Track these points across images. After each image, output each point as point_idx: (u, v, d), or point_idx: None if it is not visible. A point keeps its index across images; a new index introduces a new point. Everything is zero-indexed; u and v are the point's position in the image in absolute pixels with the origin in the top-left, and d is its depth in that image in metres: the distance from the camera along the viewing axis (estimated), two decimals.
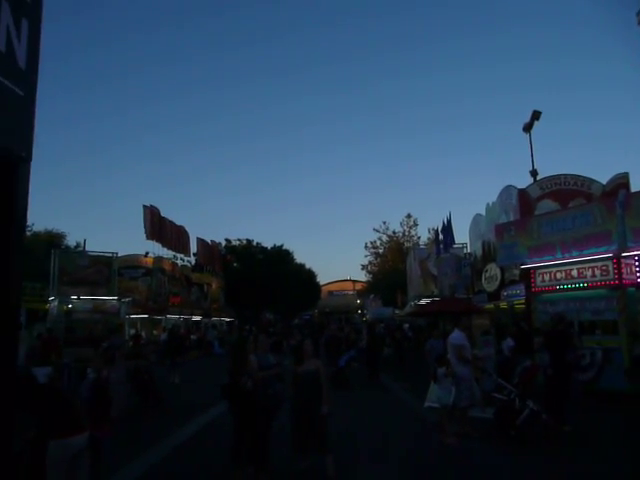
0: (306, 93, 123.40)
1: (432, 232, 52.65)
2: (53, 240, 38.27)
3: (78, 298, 27.59)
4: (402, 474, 7.10)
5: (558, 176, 18.16)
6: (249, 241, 52.10)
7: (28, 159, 1.95)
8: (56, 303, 26.94)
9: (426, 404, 9.79)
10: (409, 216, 55.79)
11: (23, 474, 4.53)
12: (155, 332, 30.49)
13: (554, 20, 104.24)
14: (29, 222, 39.89)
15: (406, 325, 26.74)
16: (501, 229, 16.25)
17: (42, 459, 4.44)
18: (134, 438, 8.87)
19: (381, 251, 57.58)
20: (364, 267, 59.46)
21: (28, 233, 39.32)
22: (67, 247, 38.37)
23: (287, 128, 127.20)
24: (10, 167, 1.90)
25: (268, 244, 52.69)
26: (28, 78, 1.99)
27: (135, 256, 31.67)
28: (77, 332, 23.98)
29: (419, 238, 54.05)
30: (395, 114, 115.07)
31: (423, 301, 26.23)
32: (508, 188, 19.33)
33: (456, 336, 9.45)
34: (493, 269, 19.43)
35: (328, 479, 6.56)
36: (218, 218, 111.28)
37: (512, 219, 17.53)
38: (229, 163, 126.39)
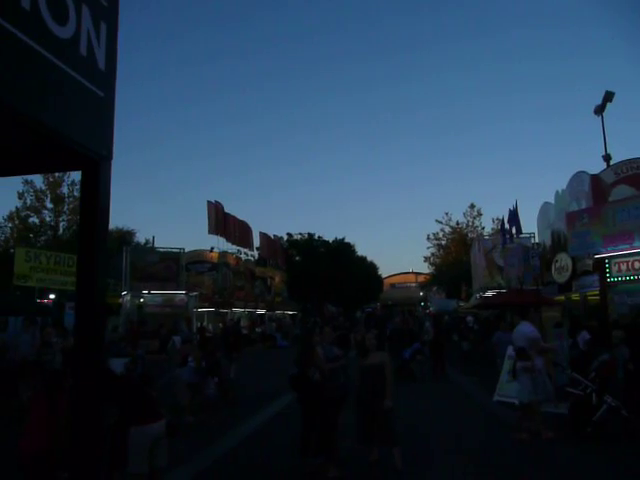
0: (373, 84, 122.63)
1: (497, 222, 51.15)
2: (124, 237, 40.02)
3: (149, 293, 28.79)
4: (472, 468, 6.95)
5: (635, 159, 17.13)
6: (311, 235, 52.49)
7: (109, 157, 2.01)
8: (129, 297, 28.22)
9: (495, 398, 9.55)
10: (472, 206, 54.29)
11: (106, 458, 4.79)
12: (221, 325, 31.33)
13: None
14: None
15: (470, 318, 26.09)
16: (573, 217, 15.52)
17: (123, 444, 4.68)
18: (204, 428, 9.15)
19: (444, 243, 56.42)
20: (426, 259, 58.43)
21: None
22: (137, 244, 40.00)
23: (351, 120, 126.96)
24: (93, 166, 1.97)
25: (330, 237, 52.94)
26: (107, 79, 2.06)
27: (201, 251, 32.60)
28: (148, 325, 24.99)
29: (483, 229, 52.54)
30: (457, 106, 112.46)
31: (489, 293, 25.51)
32: (579, 174, 18.44)
33: (529, 329, 9.09)
34: (564, 259, 18.61)
35: (396, 472, 6.52)
36: (280, 213, 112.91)
37: (584, 207, 16.71)
38: (291, 157, 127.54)
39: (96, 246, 1.96)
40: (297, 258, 51.02)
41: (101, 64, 1.97)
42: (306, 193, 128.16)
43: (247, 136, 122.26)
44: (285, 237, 51.32)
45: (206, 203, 31.00)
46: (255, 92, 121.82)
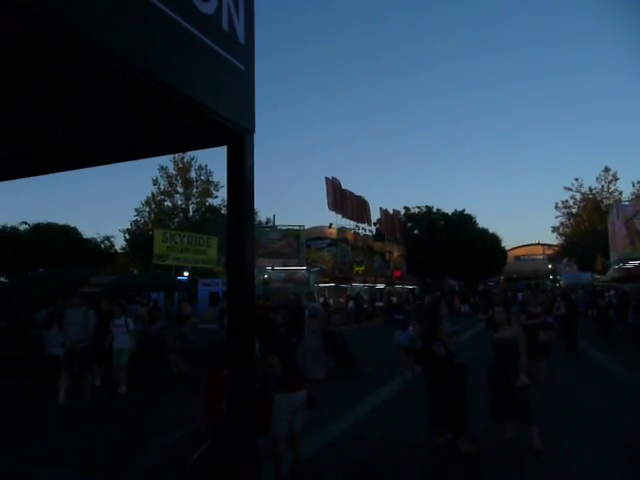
0: (489, 51, 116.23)
1: (638, 186, 46.47)
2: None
3: (272, 269, 30.03)
4: (620, 451, 6.42)
5: None
6: (429, 208, 51.42)
7: (252, 130, 2.02)
8: (254, 274, 29.70)
9: None
10: (607, 170, 49.86)
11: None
12: (341, 300, 31.91)
13: None
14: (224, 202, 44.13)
15: (611, 292, 24.03)
16: None
17: (267, 408, 4.94)
18: (331, 401, 9.37)
19: (574, 211, 52.52)
20: (555, 229, 54.84)
21: (222, 210, 43.63)
22: (259, 222, 41.77)
23: (462, 89, 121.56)
24: (238, 139, 1.99)
25: (449, 210, 51.49)
26: (247, 53, 2.07)
27: (320, 228, 33.29)
28: (273, 300, 26.13)
29: (621, 194, 48.19)
30: (594, 72, 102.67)
31: (630, 264, 23.31)
32: None
33: None
34: None
35: (535, 452, 6.22)
36: (396, 186, 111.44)
37: None
38: (406, 127, 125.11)
39: (245, 219, 2.00)
40: (415, 232, 50.30)
41: (241, 38, 1.99)
42: (423, 164, 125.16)
43: (363, 107, 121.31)
44: (402, 211, 50.76)
45: (324, 180, 31.46)
46: (369, 61, 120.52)
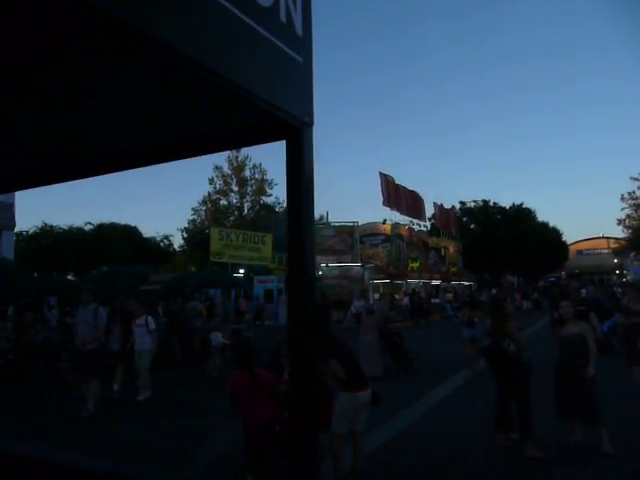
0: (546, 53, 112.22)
1: None
2: None
3: (326, 265, 30.09)
4: None
5: None
6: (485, 202, 50.18)
7: (311, 124, 1.98)
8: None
9: None
10: None
11: None
12: (397, 296, 31.60)
13: None
14: (282, 199, 44.60)
15: None
16: None
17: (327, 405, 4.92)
18: (388, 398, 9.24)
19: None
20: (620, 222, 52.24)
21: (280, 209, 44.11)
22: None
23: (521, 88, 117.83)
24: (297, 134, 1.95)
25: (506, 203, 50.05)
26: (305, 45, 2.03)
27: (374, 224, 33.11)
28: (327, 297, 26.21)
29: None
30: None
31: None
32: None
33: None
34: None
35: (606, 456, 5.91)
36: (451, 180, 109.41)
37: None
38: (459, 123, 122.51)
39: (305, 216, 1.95)
40: (472, 227, 49.19)
41: (299, 30, 1.94)
42: (479, 158, 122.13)
43: (418, 102, 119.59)
44: (458, 205, 49.74)
45: (378, 175, 31.24)
46: (427, 57, 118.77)
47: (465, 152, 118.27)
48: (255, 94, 1.66)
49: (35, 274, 15.00)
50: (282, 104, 1.79)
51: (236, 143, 2.19)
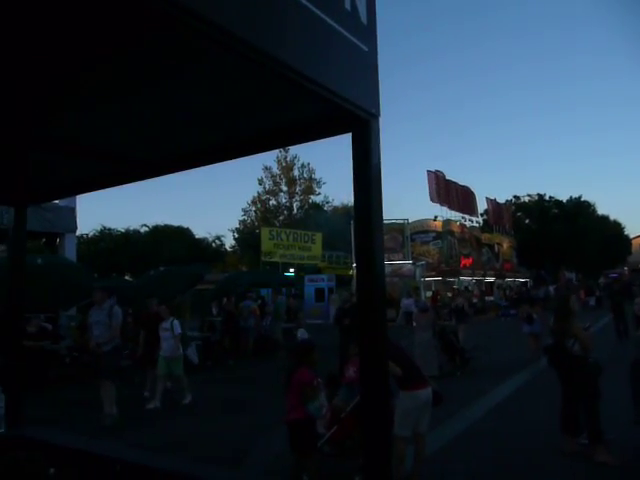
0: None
1: None
2: (349, 212, 42.21)
3: None
4: None
5: None
6: (541, 196, 48.63)
7: (378, 115, 1.91)
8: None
9: None
10: None
11: None
12: (449, 294, 31.05)
13: None
14: (330, 197, 44.60)
15: None
16: None
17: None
18: (446, 398, 9.04)
19: None
20: None
21: (328, 208, 44.17)
22: None
23: (575, 78, 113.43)
24: (364, 125, 1.89)
25: (563, 197, 48.33)
26: (370, 33, 1.96)
27: (424, 221, 32.65)
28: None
29: None
30: None
31: None
32: None
33: None
34: None
35: None
36: (504, 174, 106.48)
37: None
38: (512, 113, 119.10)
39: (373, 211, 1.89)
40: (526, 222, 47.77)
41: (363, 18, 1.87)
42: (533, 151, 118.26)
43: (467, 94, 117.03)
44: (512, 200, 48.40)
45: (426, 173, 30.80)
46: (479, 47, 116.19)
47: (519, 144, 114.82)
48: (322, 84, 1.61)
49: (95, 275, 15.51)
50: (349, 95, 1.72)
51: (303, 137, 2.14)
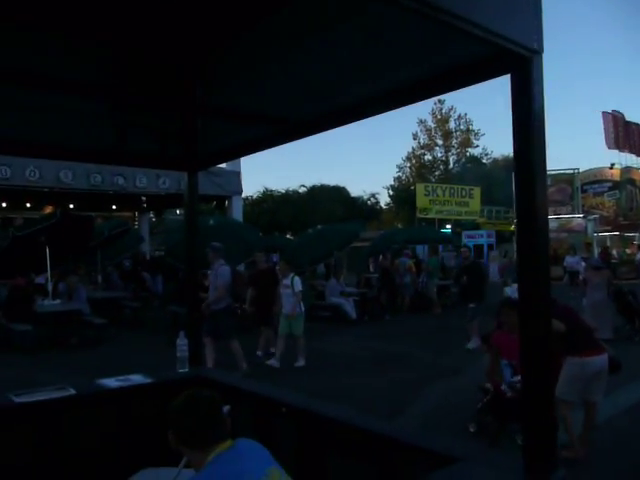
0: None
1: None
2: (511, 164, 39.73)
3: None
4: None
5: None
6: None
7: (541, 51, 1.72)
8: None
9: None
10: None
11: None
12: (628, 251, 27.95)
13: None
14: (489, 149, 42.27)
15: None
16: None
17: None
18: (622, 362, 8.25)
19: None
20: None
21: (487, 160, 41.93)
22: None
23: None
24: (524, 64, 1.73)
25: None
26: None
27: (598, 169, 29.55)
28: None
29: None
30: None
31: None
32: None
33: None
34: None
35: None
36: None
37: None
38: None
39: (535, 159, 1.75)
40: None
41: None
42: None
43: None
44: None
45: (601, 115, 27.61)
46: None
47: None
48: (476, 22, 1.48)
49: (260, 234, 16.65)
50: (506, 31, 1.57)
51: (460, 83, 2.03)
